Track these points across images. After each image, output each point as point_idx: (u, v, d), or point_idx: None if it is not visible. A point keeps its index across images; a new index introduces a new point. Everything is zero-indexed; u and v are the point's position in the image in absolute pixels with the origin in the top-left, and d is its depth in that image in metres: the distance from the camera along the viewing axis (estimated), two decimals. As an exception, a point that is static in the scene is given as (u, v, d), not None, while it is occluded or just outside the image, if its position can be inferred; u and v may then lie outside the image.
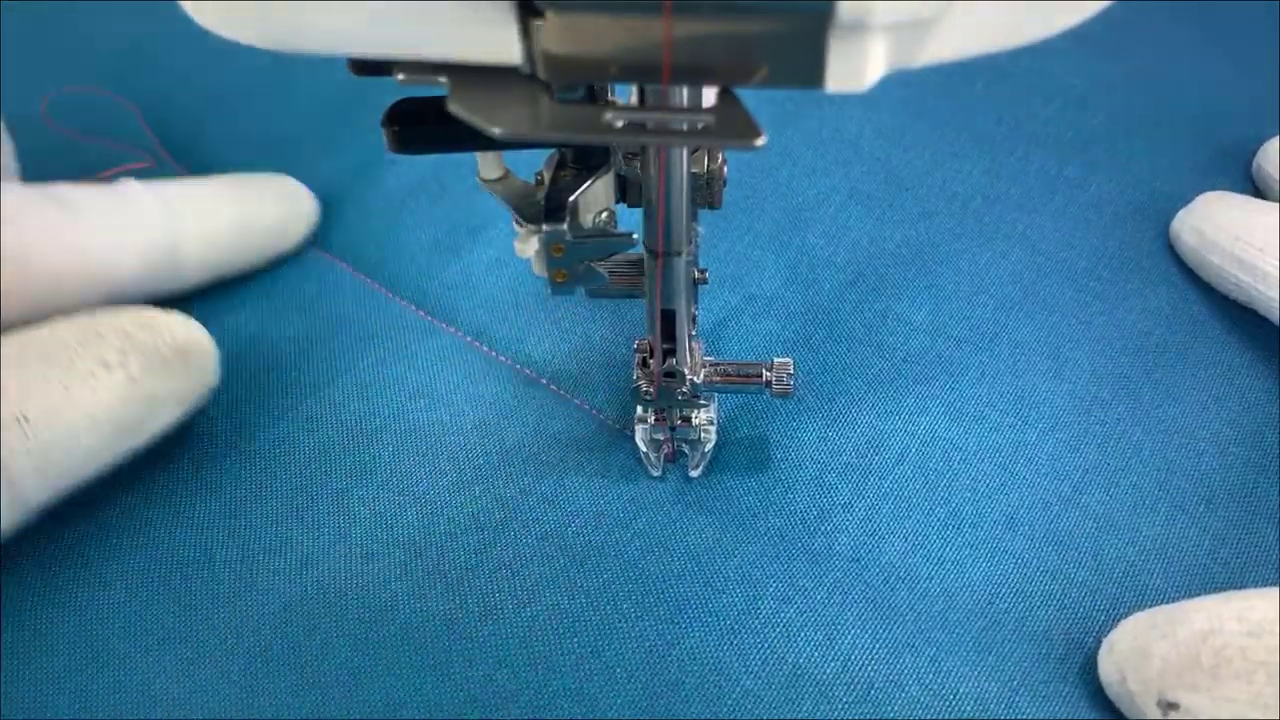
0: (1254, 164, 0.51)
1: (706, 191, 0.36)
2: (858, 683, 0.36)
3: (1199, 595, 0.38)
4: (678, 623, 0.38)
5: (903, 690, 0.36)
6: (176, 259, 0.45)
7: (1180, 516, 0.40)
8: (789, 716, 0.36)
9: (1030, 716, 0.35)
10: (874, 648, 0.37)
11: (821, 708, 0.36)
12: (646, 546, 0.40)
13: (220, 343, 0.43)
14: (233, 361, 0.46)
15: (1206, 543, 0.40)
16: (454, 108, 0.25)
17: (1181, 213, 0.48)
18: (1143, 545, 0.39)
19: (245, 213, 0.48)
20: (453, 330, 0.48)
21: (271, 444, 0.44)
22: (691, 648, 0.37)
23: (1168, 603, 0.36)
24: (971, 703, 0.36)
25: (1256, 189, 0.51)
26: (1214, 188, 0.49)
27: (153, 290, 0.44)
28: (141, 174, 0.56)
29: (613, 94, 0.31)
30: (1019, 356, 0.46)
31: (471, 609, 0.39)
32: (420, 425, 0.44)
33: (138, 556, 0.40)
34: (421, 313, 0.49)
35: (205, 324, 0.42)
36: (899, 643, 0.37)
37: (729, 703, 0.36)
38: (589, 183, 0.34)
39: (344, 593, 0.39)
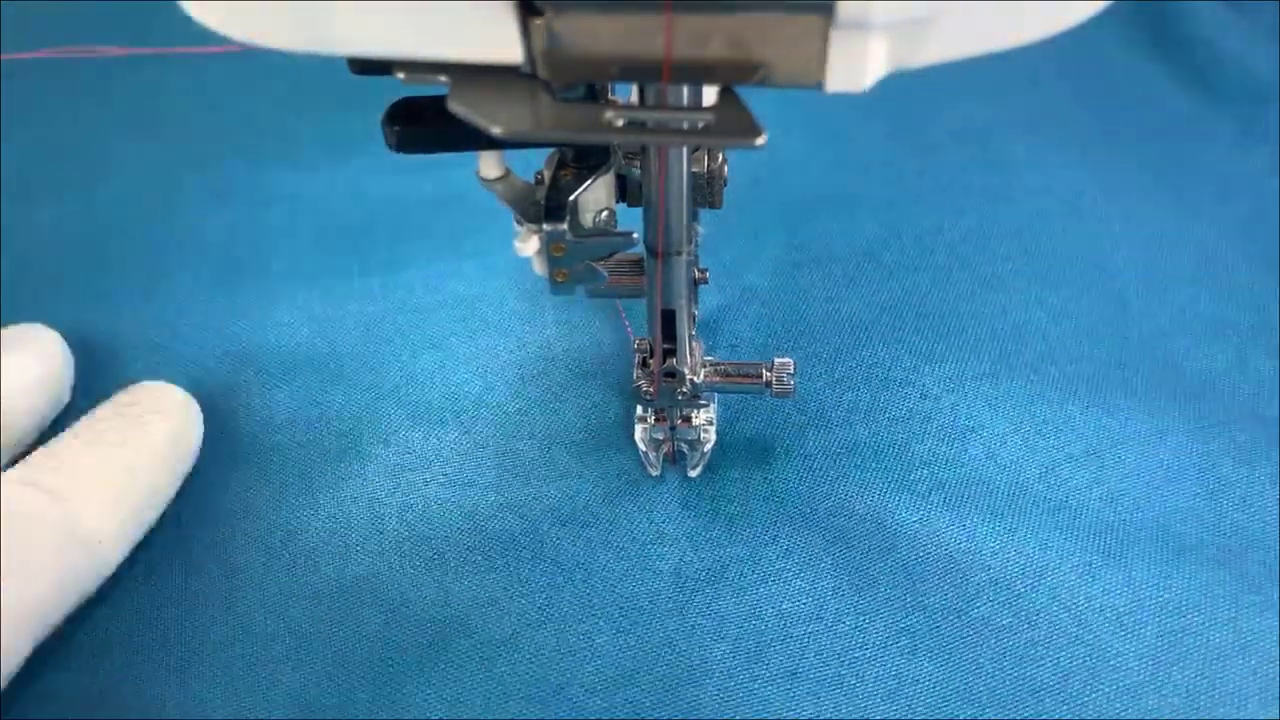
0: None
1: (707, 191, 0.36)
2: (854, 681, 0.36)
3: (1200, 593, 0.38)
4: (676, 626, 0.38)
5: (900, 688, 0.36)
6: None
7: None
8: (786, 717, 0.36)
9: (1030, 715, 0.35)
10: (871, 644, 0.37)
11: (819, 708, 0.36)
12: (645, 550, 0.40)
13: (225, 344, 0.43)
14: (239, 365, 0.46)
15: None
16: (454, 107, 0.25)
17: None
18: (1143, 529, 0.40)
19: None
20: (452, 332, 0.48)
21: (264, 453, 0.43)
22: (689, 650, 0.37)
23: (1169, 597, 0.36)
24: (974, 699, 0.36)
25: None
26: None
27: None
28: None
29: (613, 93, 0.31)
30: (1019, 351, 0.46)
31: (473, 613, 0.39)
32: (420, 425, 0.44)
33: (148, 553, 0.40)
34: (420, 314, 0.48)
35: (211, 330, 0.41)
36: (897, 639, 0.37)
37: (727, 704, 0.36)
38: (589, 182, 0.34)
39: (340, 599, 0.39)
